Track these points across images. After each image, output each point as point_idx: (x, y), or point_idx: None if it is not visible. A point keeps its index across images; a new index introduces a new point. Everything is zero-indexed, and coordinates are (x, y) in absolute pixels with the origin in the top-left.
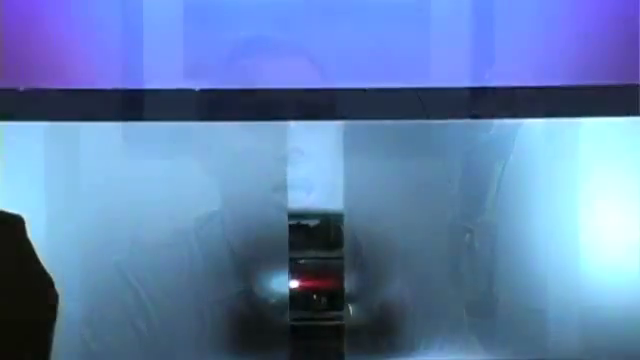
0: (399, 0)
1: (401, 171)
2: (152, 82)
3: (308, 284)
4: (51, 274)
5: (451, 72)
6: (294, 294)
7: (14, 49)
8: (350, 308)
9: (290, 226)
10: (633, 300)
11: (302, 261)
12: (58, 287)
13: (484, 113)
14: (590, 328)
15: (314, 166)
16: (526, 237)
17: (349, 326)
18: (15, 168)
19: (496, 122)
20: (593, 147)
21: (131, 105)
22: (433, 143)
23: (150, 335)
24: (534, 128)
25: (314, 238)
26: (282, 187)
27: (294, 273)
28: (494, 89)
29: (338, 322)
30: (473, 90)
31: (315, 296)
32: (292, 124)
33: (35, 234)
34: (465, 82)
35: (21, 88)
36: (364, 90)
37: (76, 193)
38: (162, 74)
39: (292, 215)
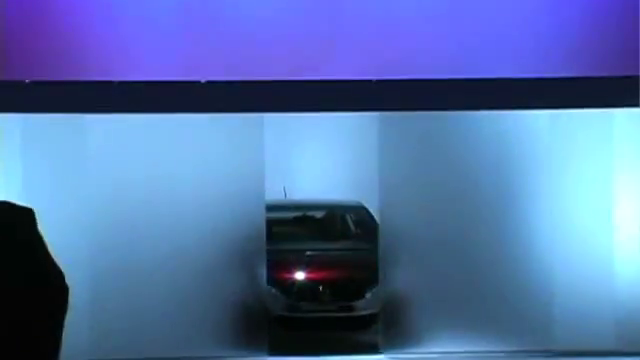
0: None
1: (412, 163)
2: (156, 74)
3: (313, 275)
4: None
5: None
6: (300, 285)
7: (18, 42)
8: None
9: (295, 218)
10: None
11: (308, 253)
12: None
13: (485, 104)
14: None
15: (325, 158)
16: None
17: (359, 316)
18: (20, 159)
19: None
20: (623, 138)
21: (133, 97)
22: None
23: (157, 326)
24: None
25: (320, 230)
26: (286, 178)
27: (298, 265)
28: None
29: (345, 313)
30: (473, 81)
31: (321, 287)
32: (296, 115)
33: (44, 225)
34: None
35: (27, 80)
36: (370, 81)
37: (79, 184)
38: (164, 66)
39: (297, 207)
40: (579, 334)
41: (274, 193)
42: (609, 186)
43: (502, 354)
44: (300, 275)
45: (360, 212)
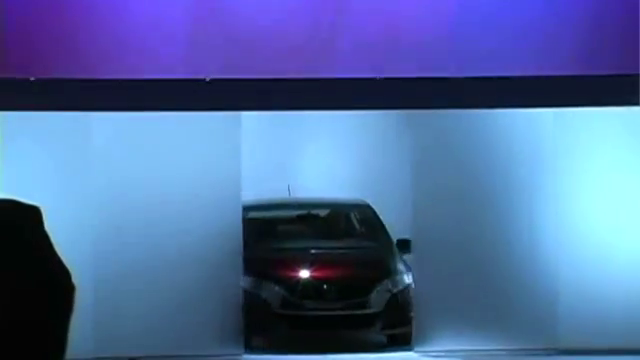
0: None
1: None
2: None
3: (317, 274)
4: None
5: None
6: (304, 284)
7: (21, 40)
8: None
9: (299, 216)
10: None
11: (313, 251)
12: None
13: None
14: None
15: (329, 157)
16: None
17: (365, 314)
18: (24, 157)
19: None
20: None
21: (135, 95)
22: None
23: (161, 324)
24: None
25: (325, 228)
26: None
27: (302, 263)
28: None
29: (349, 311)
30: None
31: (325, 286)
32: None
33: (50, 222)
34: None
35: (32, 78)
36: (375, 79)
37: (83, 183)
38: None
39: (301, 205)
40: (584, 332)
41: (279, 191)
42: (617, 185)
43: (505, 352)
44: (304, 273)
45: (364, 210)
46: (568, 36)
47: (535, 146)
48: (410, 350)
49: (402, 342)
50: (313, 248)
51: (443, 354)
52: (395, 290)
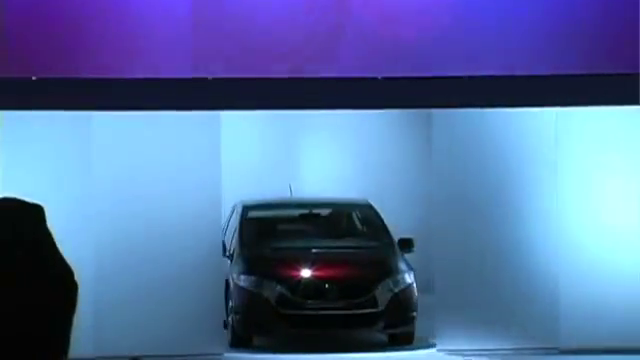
0: None
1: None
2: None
3: (319, 273)
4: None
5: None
6: (306, 283)
7: (23, 38)
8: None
9: (301, 216)
10: None
11: (314, 250)
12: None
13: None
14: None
15: (327, 157)
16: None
17: (367, 314)
18: (26, 156)
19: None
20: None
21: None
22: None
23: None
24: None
25: (327, 227)
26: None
27: (304, 262)
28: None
29: (351, 311)
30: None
31: (327, 285)
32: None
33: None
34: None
35: (33, 77)
36: (376, 79)
37: (85, 181)
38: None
39: (303, 205)
40: (585, 332)
41: (280, 191)
42: (621, 185)
43: (508, 352)
44: (306, 273)
45: (366, 210)
46: (568, 36)
47: (536, 146)
48: (433, 348)
49: (404, 342)
50: (315, 247)
51: (468, 353)
52: (397, 289)
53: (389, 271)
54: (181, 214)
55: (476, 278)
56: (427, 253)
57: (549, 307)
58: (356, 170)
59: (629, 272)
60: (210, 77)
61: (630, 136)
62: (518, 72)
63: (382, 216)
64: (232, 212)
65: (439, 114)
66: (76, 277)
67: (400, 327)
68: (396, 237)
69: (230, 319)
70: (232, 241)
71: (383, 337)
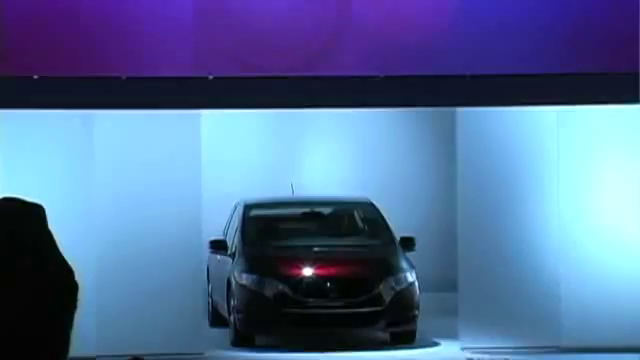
0: None
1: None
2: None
3: (320, 272)
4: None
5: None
6: (308, 282)
7: (24, 37)
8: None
9: (303, 214)
10: None
11: (316, 249)
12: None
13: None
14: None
15: (332, 155)
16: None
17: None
18: (27, 155)
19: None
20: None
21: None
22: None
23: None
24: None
25: (328, 226)
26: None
27: (306, 261)
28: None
29: (353, 310)
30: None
31: (329, 283)
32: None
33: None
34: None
35: (35, 76)
36: (377, 77)
37: (86, 180)
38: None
39: (304, 203)
40: (587, 330)
41: (282, 189)
42: (622, 183)
43: (511, 350)
44: (308, 271)
45: (368, 208)
46: (567, 34)
47: (538, 145)
48: (456, 340)
49: (406, 340)
50: (316, 246)
51: (492, 350)
52: (398, 288)
53: (391, 270)
54: (162, 210)
55: (499, 278)
56: (441, 252)
57: (550, 305)
58: (358, 168)
59: (631, 270)
60: (211, 76)
61: (633, 135)
62: (520, 71)
63: (384, 214)
64: (234, 211)
65: (465, 113)
66: (77, 277)
67: (402, 326)
68: (398, 235)
69: (232, 318)
70: (234, 240)
71: (385, 336)
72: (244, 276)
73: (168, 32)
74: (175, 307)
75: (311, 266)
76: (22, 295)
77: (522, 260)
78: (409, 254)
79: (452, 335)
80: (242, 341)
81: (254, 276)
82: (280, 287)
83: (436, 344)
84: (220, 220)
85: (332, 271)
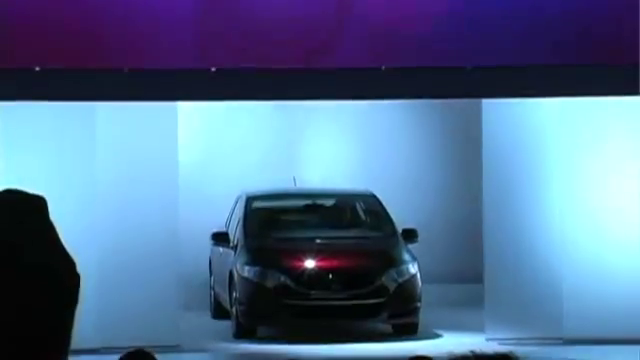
0: None
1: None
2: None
3: (323, 264)
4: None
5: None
6: (310, 274)
7: (27, 29)
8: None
9: (305, 206)
10: None
11: (318, 241)
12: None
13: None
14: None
15: (335, 147)
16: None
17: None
18: (29, 147)
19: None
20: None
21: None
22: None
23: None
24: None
25: (330, 218)
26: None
27: (308, 253)
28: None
29: (355, 301)
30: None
31: (331, 275)
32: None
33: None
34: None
35: (37, 68)
36: (380, 69)
37: (89, 173)
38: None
39: (307, 195)
40: (589, 322)
41: (284, 181)
42: (624, 174)
43: (513, 341)
44: (310, 263)
45: (370, 200)
46: (567, 25)
47: (540, 136)
48: (482, 333)
49: (408, 332)
50: (318, 238)
51: (514, 341)
52: (400, 280)
53: (393, 261)
54: (137, 202)
55: (525, 269)
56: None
57: (553, 297)
58: (360, 161)
59: (634, 262)
60: (213, 68)
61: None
62: (522, 62)
63: (385, 206)
64: (236, 203)
65: (491, 104)
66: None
67: (404, 317)
68: (400, 227)
69: (234, 310)
70: (236, 232)
71: (387, 328)
72: (246, 268)
73: (169, 24)
74: (149, 298)
75: (313, 258)
76: (23, 287)
77: (548, 251)
78: (411, 246)
79: (455, 327)
80: (244, 333)
81: (256, 268)
82: (282, 279)
83: (438, 336)
84: (223, 213)
85: (334, 263)
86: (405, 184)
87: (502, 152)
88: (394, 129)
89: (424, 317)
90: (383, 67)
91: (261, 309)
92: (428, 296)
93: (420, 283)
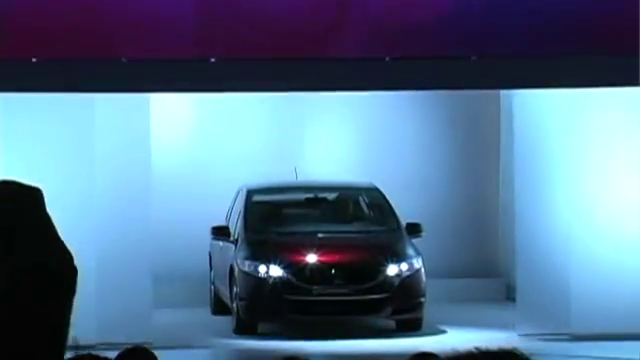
0: None
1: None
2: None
3: (325, 258)
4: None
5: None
6: (312, 268)
7: (24, 18)
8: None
9: (307, 200)
10: None
11: (320, 235)
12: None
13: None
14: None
15: (337, 139)
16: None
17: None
18: (26, 138)
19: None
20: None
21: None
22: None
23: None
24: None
25: (333, 211)
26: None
27: (310, 247)
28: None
29: (358, 296)
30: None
31: (333, 270)
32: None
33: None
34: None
35: (33, 59)
36: (383, 59)
37: (87, 164)
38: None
39: (309, 188)
40: (596, 318)
41: (286, 174)
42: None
43: (519, 337)
44: (312, 258)
45: (373, 194)
46: (568, 16)
47: (544, 128)
48: (513, 331)
49: (412, 327)
50: (321, 232)
51: (547, 337)
52: (404, 275)
53: (396, 256)
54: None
55: (556, 264)
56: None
57: (560, 293)
58: (363, 153)
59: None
60: (212, 59)
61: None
62: (526, 52)
63: (389, 200)
64: (236, 196)
65: (521, 95)
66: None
67: (408, 313)
68: (404, 221)
69: (235, 305)
70: (236, 226)
71: (390, 323)
72: (247, 263)
73: (169, 14)
74: (121, 295)
75: (315, 252)
76: (20, 279)
77: (581, 246)
78: (416, 240)
79: (457, 322)
80: (245, 329)
81: (257, 263)
82: (283, 274)
83: (443, 332)
84: (225, 205)
85: (336, 257)
86: (410, 177)
87: (532, 144)
88: (399, 120)
89: (428, 313)
90: (387, 58)
91: (262, 304)
92: (434, 291)
93: (424, 278)
